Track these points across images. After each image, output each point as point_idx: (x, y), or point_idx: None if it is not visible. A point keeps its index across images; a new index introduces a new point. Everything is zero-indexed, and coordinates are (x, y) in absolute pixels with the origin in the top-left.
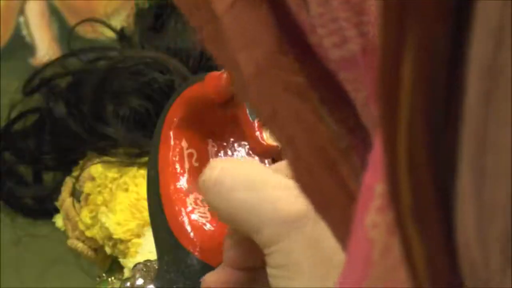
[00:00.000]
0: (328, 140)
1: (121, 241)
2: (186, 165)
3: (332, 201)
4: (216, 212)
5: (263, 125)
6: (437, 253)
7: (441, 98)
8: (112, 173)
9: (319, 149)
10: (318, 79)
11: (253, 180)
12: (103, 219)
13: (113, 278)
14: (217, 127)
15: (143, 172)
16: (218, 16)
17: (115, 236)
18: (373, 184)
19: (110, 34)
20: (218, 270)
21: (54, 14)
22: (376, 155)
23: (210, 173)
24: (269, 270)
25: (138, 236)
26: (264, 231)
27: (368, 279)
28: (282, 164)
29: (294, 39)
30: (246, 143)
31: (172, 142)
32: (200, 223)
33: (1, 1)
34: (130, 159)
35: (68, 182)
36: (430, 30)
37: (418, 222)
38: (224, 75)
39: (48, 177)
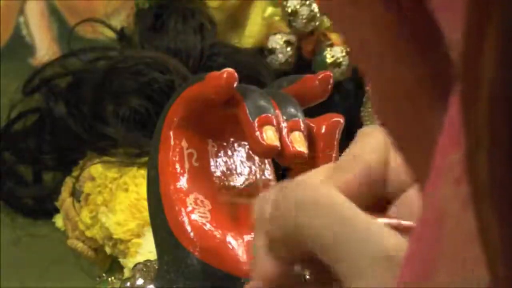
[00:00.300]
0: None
1: (121, 241)
2: (186, 165)
3: (415, 138)
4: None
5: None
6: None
7: None
8: (112, 173)
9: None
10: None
11: (344, 208)
12: (103, 219)
13: (113, 278)
14: (217, 127)
15: (143, 172)
16: None
17: (115, 236)
18: (449, 153)
19: (110, 34)
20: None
21: (54, 14)
22: (454, 121)
23: (303, 193)
24: None
25: (138, 236)
26: (367, 272)
27: (440, 253)
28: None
29: None
30: (246, 143)
31: (172, 142)
32: (200, 223)
33: (1, 1)
34: (130, 159)
35: (68, 182)
36: None
37: (494, 199)
38: (224, 75)
39: (48, 177)
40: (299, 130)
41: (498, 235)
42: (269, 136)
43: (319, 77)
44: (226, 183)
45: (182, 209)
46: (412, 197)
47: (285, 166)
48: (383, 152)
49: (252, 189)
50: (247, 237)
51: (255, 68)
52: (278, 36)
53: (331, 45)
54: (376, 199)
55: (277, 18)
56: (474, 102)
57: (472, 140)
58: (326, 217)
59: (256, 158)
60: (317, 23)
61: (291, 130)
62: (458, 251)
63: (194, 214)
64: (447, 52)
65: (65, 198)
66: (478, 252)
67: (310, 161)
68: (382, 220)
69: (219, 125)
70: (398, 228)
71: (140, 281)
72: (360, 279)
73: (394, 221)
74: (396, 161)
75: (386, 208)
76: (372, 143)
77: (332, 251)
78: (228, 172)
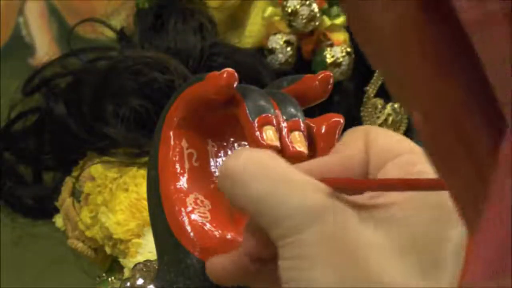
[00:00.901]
0: (464, 115)
1: (121, 241)
2: (186, 165)
3: (467, 181)
4: (227, 206)
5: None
6: None
7: None
8: (112, 173)
9: (456, 123)
10: (453, 45)
11: (280, 172)
12: (103, 219)
13: (113, 278)
14: (217, 127)
15: (143, 172)
16: None
17: (115, 236)
18: (506, 180)
19: (110, 34)
20: (228, 255)
21: (54, 14)
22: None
23: (234, 161)
24: (281, 263)
25: (138, 236)
26: (285, 223)
27: (508, 251)
28: (309, 164)
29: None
30: (246, 143)
31: (172, 142)
32: (200, 223)
33: (1, 1)
34: (130, 159)
35: (68, 182)
36: None
37: None
38: (224, 75)
39: (48, 177)
40: (299, 130)
41: None
42: (269, 136)
43: (319, 77)
44: None
45: (182, 209)
46: (389, 169)
47: None
48: (363, 142)
49: None
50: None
51: (255, 68)
52: (278, 36)
53: (331, 45)
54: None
55: (277, 18)
56: None
57: None
58: (255, 180)
59: None
60: (317, 23)
61: (291, 130)
62: None
63: (194, 214)
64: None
65: (65, 198)
66: None
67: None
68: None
69: (219, 125)
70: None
71: (140, 281)
72: (277, 228)
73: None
74: (376, 145)
75: None
76: (352, 137)
77: (260, 209)
78: None
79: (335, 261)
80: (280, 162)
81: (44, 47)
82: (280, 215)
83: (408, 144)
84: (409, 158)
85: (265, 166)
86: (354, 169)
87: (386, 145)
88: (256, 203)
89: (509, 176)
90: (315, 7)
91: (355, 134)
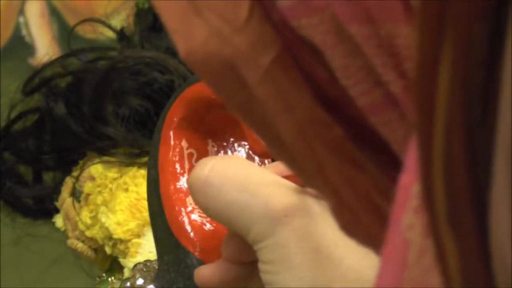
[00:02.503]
0: (371, 186)
1: (121, 241)
2: (186, 165)
3: (377, 238)
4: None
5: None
6: (471, 258)
7: (478, 99)
8: (112, 173)
9: (364, 196)
10: (352, 128)
11: (243, 179)
12: (103, 219)
13: (113, 278)
14: (217, 127)
15: (143, 172)
16: (250, 84)
17: (115, 236)
18: (410, 185)
19: (110, 34)
20: (214, 263)
21: (54, 14)
22: (412, 156)
23: (199, 172)
24: (260, 266)
25: (138, 236)
26: (254, 228)
27: (404, 281)
28: (278, 163)
29: (321, 94)
30: (246, 143)
31: (172, 142)
32: (200, 223)
33: (1, 1)
34: (130, 159)
35: (68, 182)
36: (468, 30)
37: (452, 226)
38: None
39: (48, 177)
40: None
41: (459, 261)
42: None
43: None
44: None
45: (182, 209)
46: None
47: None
48: None
49: None
50: None
51: None
52: None
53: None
54: None
55: None
56: (430, 137)
57: (429, 169)
58: (220, 191)
59: (256, 158)
60: None
61: None
62: (420, 280)
63: (194, 214)
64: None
65: (65, 198)
66: (438, 280)
67: None
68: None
69: (219, 125)
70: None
71: (140, 281)
72: (248, 234)
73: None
74: None
75: None
76: None
77: (228, 217)
78: None
79: (307, 261)
80: (245, 167)
81: (44, 47)
82: (247, 221)
83: None
84: None
85: (229, 175)
86: None
87: None
88: (225, 212)
89: (411, 181)
90: None
91: None
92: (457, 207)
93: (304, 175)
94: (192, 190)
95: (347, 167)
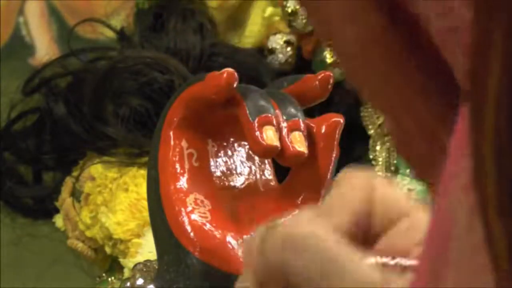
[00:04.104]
0: (428, 113)
1: (121, 241)
2: (186, 165)
3: (432, 164)
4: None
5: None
6: None
7: None
8: (112, 173)
9: (421, 122)
10: (416, 49)
11: (323, 250)
12: (103, 219)
13: (113, 278)
14: (217, 127)
15: (143, 172)
16: None
17: (115, 236)
18: (460, 159)
19: (110, 34)
20: None
21: (54, 14)
22: (463, 131)
23: (271, 243)
24: None
25: (138, 236)
26: None
27: (448, 261)
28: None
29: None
30: (246, 143)
31: (172, 142)
32: (200, 223)
33: (1, 1)
34: (130, 159)
35: (68, 182)
36: None
37: (502, 209)
38: (224, 75)
39: (48, 177)
40: (299, 130)
41: (505, 244)
42: (269, 136)
43: (319, 77)
44: (226, 183)
45: (182, 209)
46: (402, 230)
47: (285, 166)
48: (368, 191)
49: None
50: (247, 237)
51: (255, 68)
52: (278, 36)
53: (331, 45)
54: (364, 233)
55: (277, 18)
56: (481, 113)
57: (480, 149)
58: (312, 253)
59: (256, 158)
60: None
61: (291, 130)
62: (466, 260)
63: (194, 214)
64: (449, 70)
65: (65, 198)
66: (485, 261)
67: (310, 161)
68: (374, 259)
69: (219, 125)
70: (389, 265)
71: (140, 281)
72: None
73: (387, 259)
74: (383, 196)
75: (375, 241)
76: (355, 183)
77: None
78: (228, 172)
79: None
80: (324, 236)
81: (44, 47)
82: None
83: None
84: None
85: (307, 247)
86: (357, 222)
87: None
88: (317, 283)
89: (462, 154)
90: None
91: (358, 180)
92: (506, 190)
93: (368, 90)
94: (281, 242)
95: (407, 90)
